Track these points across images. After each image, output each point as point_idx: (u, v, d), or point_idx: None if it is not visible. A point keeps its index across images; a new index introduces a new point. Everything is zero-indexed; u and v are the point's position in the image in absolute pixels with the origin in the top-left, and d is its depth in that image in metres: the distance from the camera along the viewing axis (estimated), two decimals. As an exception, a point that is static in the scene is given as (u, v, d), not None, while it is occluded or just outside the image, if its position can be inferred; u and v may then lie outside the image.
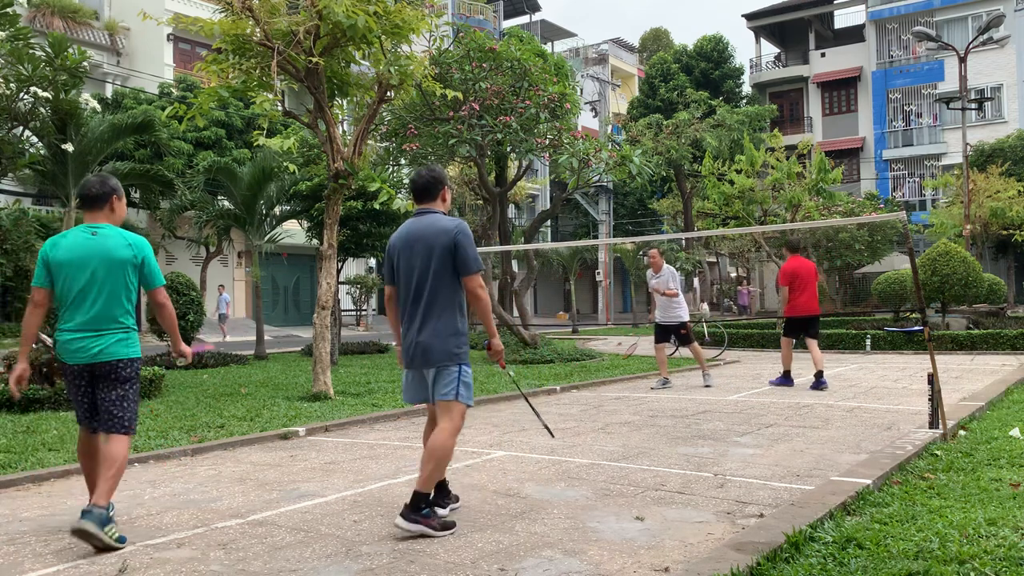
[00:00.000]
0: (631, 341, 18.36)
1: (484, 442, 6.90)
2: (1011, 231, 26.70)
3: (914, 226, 32.68)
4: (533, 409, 5.52)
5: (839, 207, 21.76)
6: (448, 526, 4.21)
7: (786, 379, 10.64)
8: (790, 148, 22.52)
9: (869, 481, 4.79)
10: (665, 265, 11.02)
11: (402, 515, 4.13)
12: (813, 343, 10.52)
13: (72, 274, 4.23)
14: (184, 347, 4.76)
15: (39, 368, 9.01)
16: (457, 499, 4.70)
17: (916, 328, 16.07)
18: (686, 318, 10.92)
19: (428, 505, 4.17)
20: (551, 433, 5.48)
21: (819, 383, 10.14)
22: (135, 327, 4.43)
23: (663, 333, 11.03)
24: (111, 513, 4.13)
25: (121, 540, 4.07)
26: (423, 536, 4.08)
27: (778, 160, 19.76)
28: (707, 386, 10.67)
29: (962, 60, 22.20)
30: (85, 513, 3.97)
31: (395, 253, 4.45)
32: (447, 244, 4.26)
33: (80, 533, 3.92)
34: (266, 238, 17.74)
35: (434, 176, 4.49)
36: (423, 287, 4.30)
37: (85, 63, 14.17)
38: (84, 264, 4.23)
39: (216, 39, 9.11)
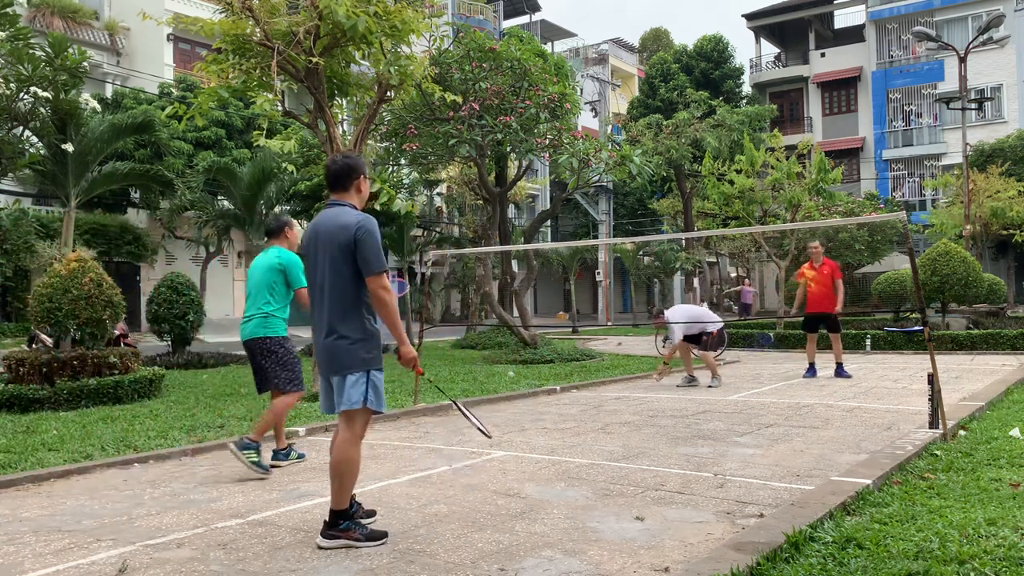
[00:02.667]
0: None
1: (484, 442, 6.89)
2: (1011, 231, 26.67)
3: (914, 226, 32.65)
4: (462, 410, 4.92)
5: (839, 207, 21.74)
6: (375, 536, 3.99)
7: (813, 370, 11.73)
8: (790, 148, 22.47)
9: (869, 481, 4.79)
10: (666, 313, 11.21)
11: (321, 534, 3.98)
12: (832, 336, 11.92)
13: (248, 277, 6.07)
14: None
15: (39, 368, 9.01)
16: (370, 514, 4.39)
17: (916, 328, 16.06)
18: (718, 326, 11.08)
19: (348, 519, 3.98)
20: (487, 434, 4.86)
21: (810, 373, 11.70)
22: (277, 315, 5.87)
23: (692, 337, 11.05)
24: (288, 450, 6.03)
25: (262, 467, 5.63)
26: (347, 548, 3.93)
27: (778, 160, 19.72)
28: (710, 387, 10.66)
29: (962, 60, 22.19)
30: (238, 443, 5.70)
31: (305, 250, 4.17)
32: (347, 241, 3.90)
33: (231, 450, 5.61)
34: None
35: (348, 164, 4.11)
36: (326, 287, 3.99)
37: (85, 63, 14.19)
38: (252, 272, 6.02)
39: (216, 39, 9.11)
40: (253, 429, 5.95)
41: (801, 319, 12.36)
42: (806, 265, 11.77)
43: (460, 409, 4.93)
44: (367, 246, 3.90)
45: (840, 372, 11.47)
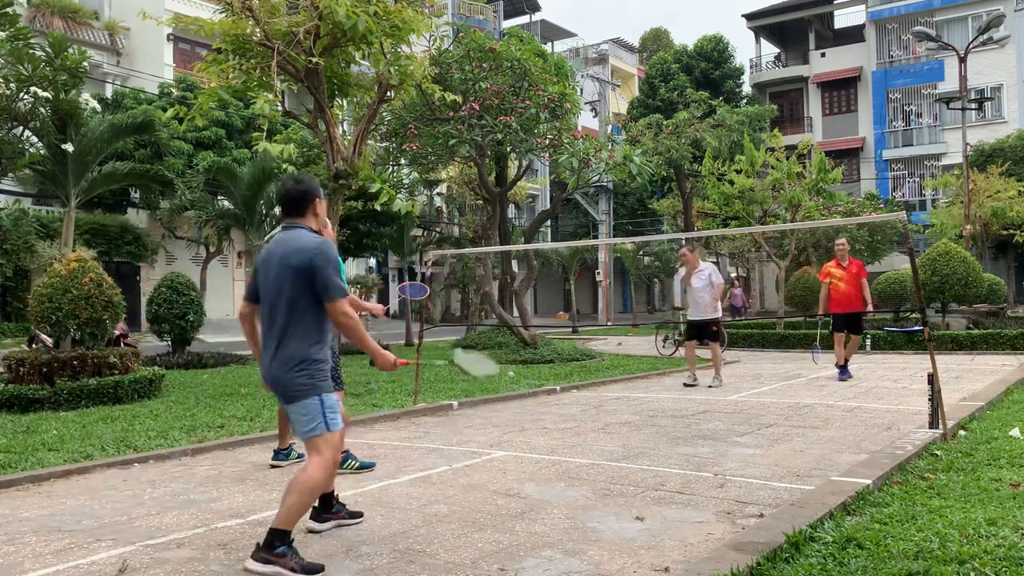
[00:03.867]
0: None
1: (484, 442, 6.90)
2: (1011, 231, 26.66)
3: (914, 226, 32.64)
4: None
5: (839, 207, 21.74)
6: (310, 569, 3.61)
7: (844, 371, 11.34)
8: (790, 148, 22.45)
9: (869, 481, 4.79)
10: (702, 261, 11.01)
11: (252, 556, 3.64)
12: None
13: None
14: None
15: (39, 368, 9.01)
16: (356, 515, 4.40)
17: (916, 328, 16.06)
18: (718, 316, 10.97)
19: (285, 543, 3.63)
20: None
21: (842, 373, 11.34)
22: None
23: (695, 331, 11.08)
24: (289, 451, 6.08)
25: (299, 456, 5.98)
26: None
27: (778, 160, 19.71)
28: (710, 387, 10.65)
29: (962, 60, 22.19)
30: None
31: (257, 271, 3.98)
32: (301, 265, 3.74)
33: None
34: (266, 238, 17.75)
35: (303, 188, 3.97)
36: (275, 311, 3.80)
37: (85, 63, 14.20)
38: None
39: (216, 39, 9.11)
40: (279, 439, 6.19)
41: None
42: (831, 263, 11.35)
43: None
44: (324, 273, 3.74)
45: (842, 372, 11.45)
